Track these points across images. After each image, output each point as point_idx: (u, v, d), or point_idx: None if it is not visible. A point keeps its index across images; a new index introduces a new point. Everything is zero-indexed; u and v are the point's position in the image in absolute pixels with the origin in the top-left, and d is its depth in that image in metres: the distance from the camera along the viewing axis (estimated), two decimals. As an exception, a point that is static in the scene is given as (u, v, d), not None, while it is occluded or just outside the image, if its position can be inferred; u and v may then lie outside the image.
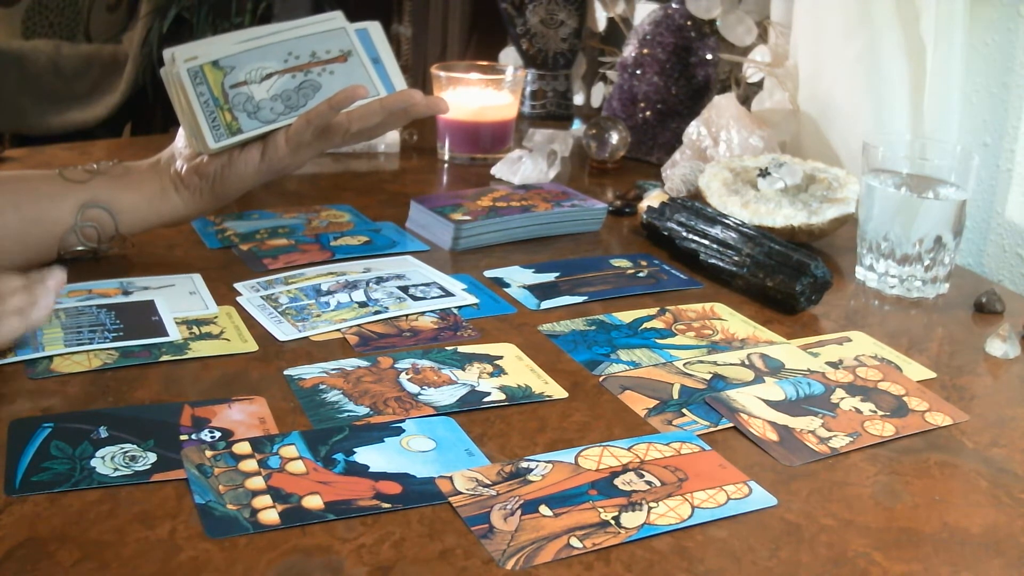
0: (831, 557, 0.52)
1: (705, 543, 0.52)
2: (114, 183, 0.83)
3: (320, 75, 0.85)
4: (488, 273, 0.89)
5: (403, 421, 0.63)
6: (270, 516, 0.52)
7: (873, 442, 0.63)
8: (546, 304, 0.82)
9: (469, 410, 0.65)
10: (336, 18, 0.88)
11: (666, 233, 0.95)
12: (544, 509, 0.54)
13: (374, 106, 0.83)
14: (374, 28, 0.90)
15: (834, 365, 0.74)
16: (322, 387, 0.66)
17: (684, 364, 0.72)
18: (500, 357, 0.72)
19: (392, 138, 1.27)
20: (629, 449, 0.60)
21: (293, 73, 0.84)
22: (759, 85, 1.29)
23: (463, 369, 0.70)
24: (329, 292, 0.81)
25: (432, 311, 0.79)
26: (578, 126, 1.48)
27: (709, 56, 1.30)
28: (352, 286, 0.82)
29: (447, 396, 0.66)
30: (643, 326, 0.79)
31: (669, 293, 0.86)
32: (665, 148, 1.29)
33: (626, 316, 0.80)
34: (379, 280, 0.84)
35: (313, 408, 0.64)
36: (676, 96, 1.31)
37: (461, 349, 0.73)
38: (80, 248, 0.82)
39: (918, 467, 0.61)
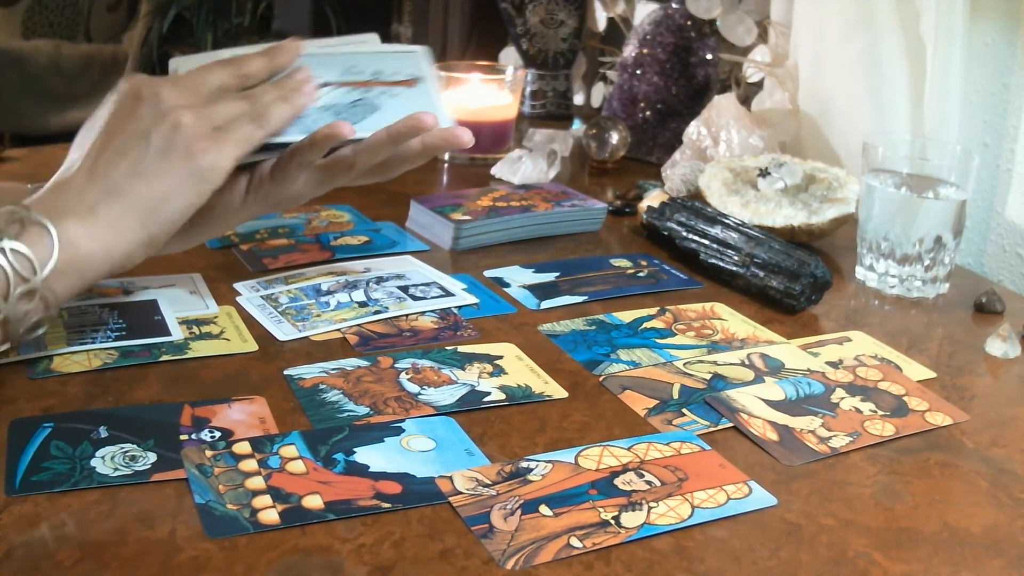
0: (831, 557, 0.52)
1: (705, 543, 0.53)
2: None
3: (380, 95, 0.74)
4: (488, 273, 0.89)
5: (403, 421, 0.63)
6: (270, 516, 0.52)
7: (873, 442, 0.63)
8: (546, 304, 0.82)
9: (469, 410, 0.65)
10: (370, 41, 0.79)
11: (666, 233, 0.95)
12: (544, 509, 0.54)
13: (380, 135, 0.72)
14: (417, 54, 0.79)
15: (834, 365, 0.74)
16: (322, 387, 0.66)
17: (684, 364, 0.72)
18: (500, 357, 0.72)
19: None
20: (629, 449, 0.61)
21: (349, 87, 0.74)
22: (759, 85, 1.29)
23: (463, 369, 0.70)
24: (329, 292, 0.81)
25: (432, 311, 0.79)
26: (578, 126, 1.48)
27: (709, 56, 1.30)
28: (352, 286, 0.82)
29: (447, 396, 0.66)
30: (643, 326, 0.79)
31: (669, 293, 0.87)
32: (665, 148, 1.29)
33: (626, 316, 0.80)
34: (379, 280, 0.84)
35: (313, 408, 0.64)
36: (676, 96, 1.31)
37: (461, 349, 0.73)
38: None
39: (918, 467, 0.61)
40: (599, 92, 1.53)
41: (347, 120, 0.71)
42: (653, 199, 1.01)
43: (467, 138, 0.74)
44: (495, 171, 1.16)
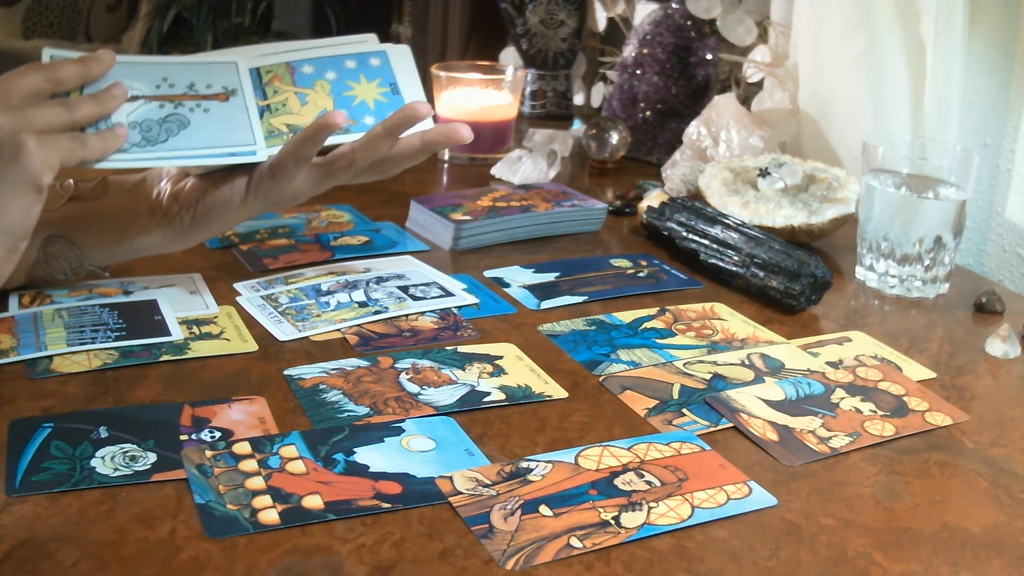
0: (831, 557, 0.52)
1: (705, 543, 0.53)
2: (87, 211, 0.76)
3: (192, 111, 0.72)
4: (488, 273, 0.89)
5: (403, 421, 0.63)
6: (270, 516, 0.52)
7: (873, 442, 0.63)
8: (546, 304, 0.82)
9: (469, 410, 0.65)
10: (369, 41, 0.79)
11: (666, 233, 0.95)
12: (544, 509, 0.54)
13: (378, 130, 0.72)
14: (396, 51, 0.79)
15: (834, 365, 0.74)
16: (322, 387, 0.66)
17: (684, 364, 0.72)
18: (500, 357, 0.72)
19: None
20: (629, 449, 0.61)
21: (161, 102, 0.71)
22: (759, 85, 1.29)
23: (463, 369, 0.70)
24: (329, 292, 0.81)
25: (432, 311, 0.79)
26: (578, 126, 1.48)
27: (709, 56, 1.30)
28: (352, 286, 0.82)
29: (447, 396, 0.66)
30: (643, 326, 0.79)
31: (669, 293, 0.87)
32: (665, 148, 1.29)
33: (626, 316, 0.80)
34: (379, 280, 0.84)
35: (313, 408, 0.64)
36: (676, 96, 1.31)
37: (461, 349, 0.73)
38: (50, 277, 0.77)
39: (918, 467, 0.61)
40: (599, 92, 1.53)
41: (158, 138, 0.70)
42: (653, 199, 1.01)
43: (466, 133, 0.74)
44: (495, 171, 1.16)
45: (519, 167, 1.13)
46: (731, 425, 0.64)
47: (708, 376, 0.71)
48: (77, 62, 0.67)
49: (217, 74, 0.74)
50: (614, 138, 1.24)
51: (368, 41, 0.79)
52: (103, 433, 0.59)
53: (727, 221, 0.91)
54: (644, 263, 0.92)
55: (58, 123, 0.65)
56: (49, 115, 0.64)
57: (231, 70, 0.74)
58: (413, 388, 0.67)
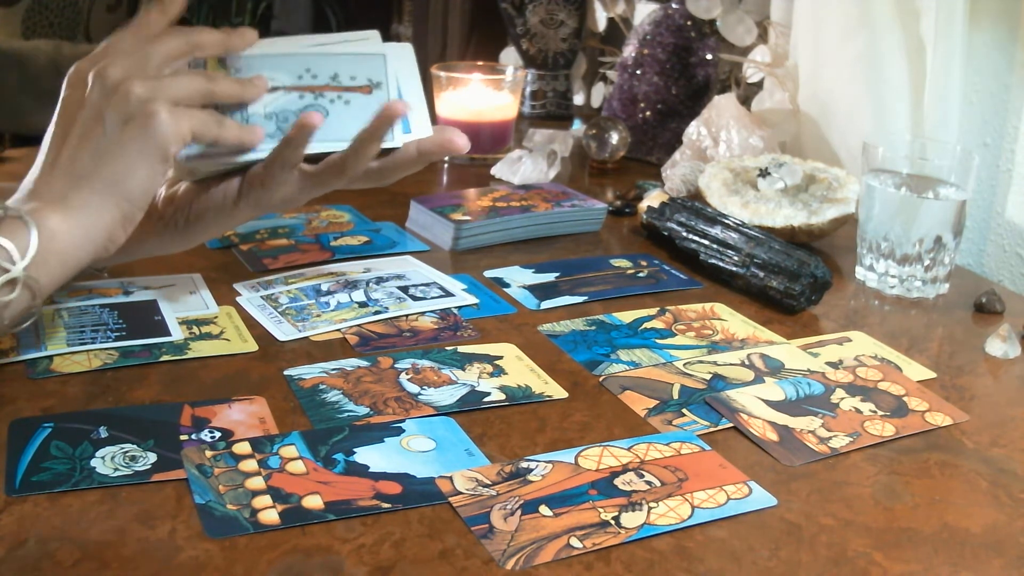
0: (831, 557, 0.52)
1: (705, 543, 0.53)
2: None
3: (332, 102, 0.71)
4: (488, 273, 0.89)
5: (403, 421, 0.63)
6: (270, 516, 0.52)
7: (873, 442, 0.63)
8: (546, 304, 0.82)
9: (469, 410, 0.65)
10: (371, 38, 0.76)
11: (666, 233, 0.95)
12: (544, 509, 0.54)
13: (362, 135, 0.69)
14: (399, 52, 0.76)
15: (834, 365, 0.74)
16: (322, 387, 0.66)
17: (684, 364, 0.72)
18: (500, 357, 0.72)
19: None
20: (629, 449, 0.61)
21: (301, 92, 0.70)
22: (759, 85, 1.29)
23: (463, 369, 0.70)
24: (329, 292, 0.81)
25: (432, 311, 0.79)
26: (578, 126, 1.48)
27: (709, 56, 1.30)
28: (352, 286, 0.82)
29: (447, 396, 0.66)
30: (643, 326, 0.79)
31: (669, 293, 0.87)
32: (665, 148, 1.29)
33: (626, 316, 0.80)
34: (379, 280, 0.84)
35: (313, 408, 0.64)
36: (676, 96, 1.31)
37: (461, 349, 0.73)
38: None
39: (918, 467, 0.61)
40: (599, 92, 1.53)
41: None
42: (653, 199, 1.01)
43: (462, 143, 0.72)
44: (495, 171, 1.16)
45: (519, 167, 1.13)
46: (731, 425, 0.64)
47: (708, 376, 0.71)
48: (219, 31, 0.68)
49: (363, 66, 0.73)
50: (614, 138, 1.24)
51: (371, 38, 0.78)
52: (103, 433, 0.59)
53: (727, 221, 0.91)
54: (644, 263, 0.92)
55: (196, 91, 0.65)
56: (187, 83, 0.64)
57: (379, 63, 0.73)
58: (413, 388, 0.67)
